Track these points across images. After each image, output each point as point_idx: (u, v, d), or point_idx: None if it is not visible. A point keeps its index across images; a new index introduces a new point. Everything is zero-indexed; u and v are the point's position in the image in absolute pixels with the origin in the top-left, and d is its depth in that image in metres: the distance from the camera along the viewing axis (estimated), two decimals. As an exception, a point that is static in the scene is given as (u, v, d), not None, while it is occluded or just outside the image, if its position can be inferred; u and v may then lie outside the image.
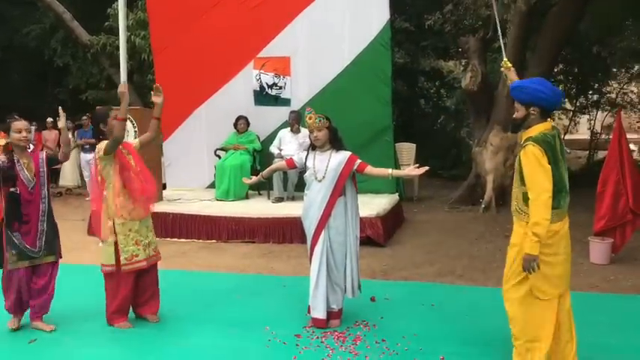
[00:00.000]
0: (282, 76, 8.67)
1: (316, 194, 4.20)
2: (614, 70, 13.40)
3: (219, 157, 8.59)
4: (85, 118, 10.78)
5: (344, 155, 4.22)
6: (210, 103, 8.99)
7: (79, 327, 4.36)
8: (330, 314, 4.31)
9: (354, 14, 8.24)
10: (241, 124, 8.56)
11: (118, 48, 12.47)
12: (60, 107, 4.32)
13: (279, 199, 7.96)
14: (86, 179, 10.68)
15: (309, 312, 4.35)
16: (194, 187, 8.98)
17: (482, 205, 9.06)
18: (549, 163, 3.17)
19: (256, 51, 8.70)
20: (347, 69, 8.34)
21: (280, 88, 8.71)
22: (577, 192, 9.82)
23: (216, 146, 8.73)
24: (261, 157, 8.57)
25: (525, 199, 3.24)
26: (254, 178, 4.74)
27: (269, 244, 7.05)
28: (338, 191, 4.19)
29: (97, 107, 4.84)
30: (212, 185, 8.89)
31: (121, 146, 4.28)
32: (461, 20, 9.80)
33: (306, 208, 4.28)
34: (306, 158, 4.33)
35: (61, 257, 4.41)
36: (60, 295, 4.45)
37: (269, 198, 8.16)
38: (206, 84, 8.89)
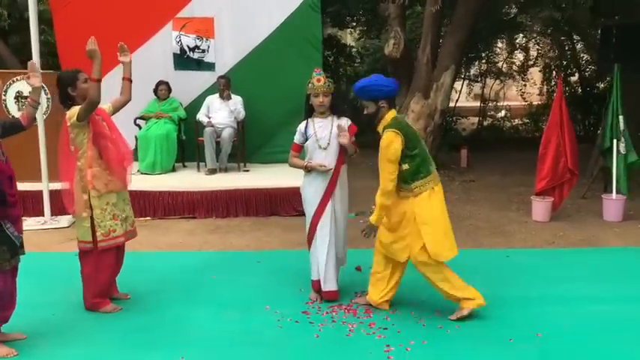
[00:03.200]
0: (205, 39, 8.03)
1: (321, 163, 3.93)
2: (494, 40, 14.17)
3: (140, 126, 7.84)
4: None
5: (346, 122, 4.03)
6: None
7: (55, 324, 3.74)
8: (331, 286, 4.11)
9: (283, -28, 7.82)
10: (162, 90, 7.84)
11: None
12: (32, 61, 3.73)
13: (212, 171, 7.46)
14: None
15: (315, 287, 4.08)
16: (106, 160, 8.12)
17: (407, 171, 9.20)
18: (408, 142, 3.58)
19: (175, 10, 7.94)
20: (276, 32, 7.91)
21: (203, 51, 8.08)
22: (473, 157, 10.44)
23: (134, 115, 7.94)
24: (186, 125, 7.96)
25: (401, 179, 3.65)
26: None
27: (212, 218, 6.59)
28: (342, 158, 3.98)
29: (63, 71, 4.43)
30: (129, 158, 8.15)
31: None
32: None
33: (310, 179, 3.98)
34: (306, 127, 4.03)
35: None
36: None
37: (199, 170, 7.63)
38: (117, 47, 7.96)
